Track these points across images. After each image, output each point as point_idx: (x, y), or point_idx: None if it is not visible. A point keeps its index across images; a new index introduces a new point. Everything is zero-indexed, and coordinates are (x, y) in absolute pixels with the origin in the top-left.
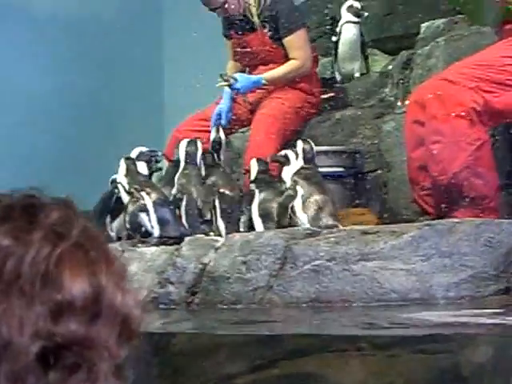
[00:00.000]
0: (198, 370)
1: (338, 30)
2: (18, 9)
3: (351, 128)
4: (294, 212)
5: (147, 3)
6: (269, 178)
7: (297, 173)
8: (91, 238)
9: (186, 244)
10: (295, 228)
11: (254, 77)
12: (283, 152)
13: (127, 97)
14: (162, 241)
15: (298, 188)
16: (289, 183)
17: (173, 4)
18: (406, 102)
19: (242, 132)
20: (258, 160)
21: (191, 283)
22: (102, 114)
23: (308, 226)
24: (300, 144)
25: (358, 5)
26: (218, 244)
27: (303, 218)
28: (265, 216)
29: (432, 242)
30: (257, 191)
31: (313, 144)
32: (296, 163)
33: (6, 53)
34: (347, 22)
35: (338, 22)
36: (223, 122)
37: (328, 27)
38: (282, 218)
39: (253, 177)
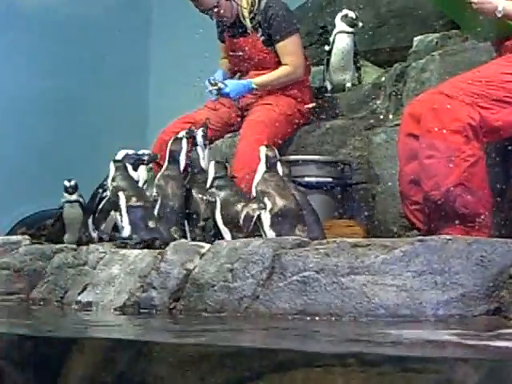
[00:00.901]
0: (180, 382)
1: (331, 39)
2: (3, 4)
3: (341, 138)
4: (262, 226)
5: (136, 5)
6: (227, 181)
7: (262, 182)
8: None
9: (170, 248)
10: (284, 237)
11: (243, 81)
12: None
13: (112, 99)
14: (144, 244)
15: (266, 200)
16: (254, 192)
17: (162, 6)
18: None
19: (229, 137)
20: (216, 163)
21: (174, 289)
22: (85, 116)
23: None
24: (263, 150)
25: (352, 15)
26: (204, 250)
27: (271, 235)
28: (229, 223)
29: (424, 259)
30: (217, 197)
31: (276, 151)
32: (260, 169)
33: None
34: (341, 31)
35: (329, 31)
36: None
37: (319, 36)
38: (248, 230)
39: (209, 183)
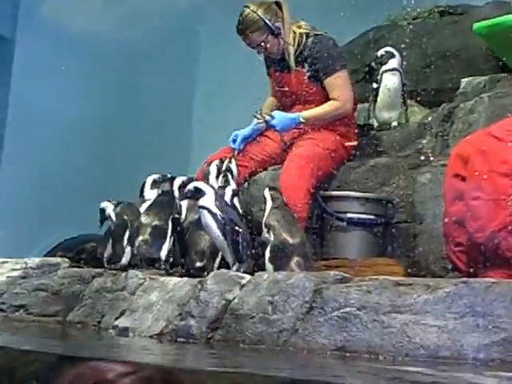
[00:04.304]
0: None
1: (378, 77)
2: (51, 27)
3: (385, 176)
4: (264, 259)
5: (185, 36)
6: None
7: (269, 216)
8: None
9: (210, 278)
10: (326, 272)
11: (291, 114)
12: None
13: (154, 126)
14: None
15: (270, 234)
16: (263, 227)
17: (209, 35)
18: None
19: (273, 169)
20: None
21: (213, 319)
22: (127, 141)
23: None
24: (267, 192)
25: (386, 50)
26: (244, 281)
27: (270, 269)
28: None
29: (467, 300)
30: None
31: (280, 191)
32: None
33: (36, 72)
34: (388, 69)
35: (375, 68)
36: (236, 146)
37: (365, 74)
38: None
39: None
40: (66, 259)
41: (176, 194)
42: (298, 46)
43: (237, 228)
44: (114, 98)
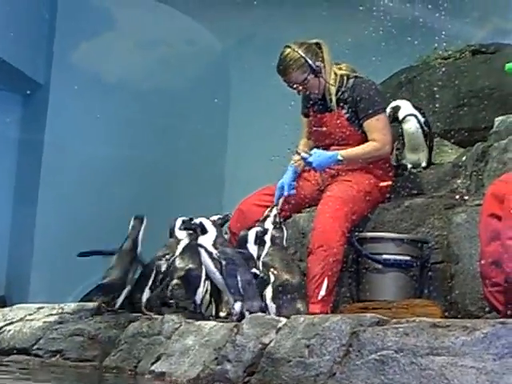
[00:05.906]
0: None
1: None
2: (84, 72)
3: (420, 217)
4: (265, 299)
5: (215, 77)
6: None
7: (267, 255)
8: None
9: (246, 321)
10: (362, 315)
11: (329, 152)
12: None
13: (188, 168)
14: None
15: (270, 274)
16: (260, 265)
17: (240, 79)
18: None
19: (308, 211)
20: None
21: (249, 363)
22: (161, 183)
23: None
24: (270, 230)
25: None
26: (280, 324)
27: (272, 308)
28: None
29: (505, 341)
30: None
31: (285, 230)
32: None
33: (73, 116)
34: (407, 114)
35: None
36: (285, 192)
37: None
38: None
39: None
40: (103, 304)
41: (177, 234)
42: (339, 87)
43: (235, 267)
44: (147, 140)
